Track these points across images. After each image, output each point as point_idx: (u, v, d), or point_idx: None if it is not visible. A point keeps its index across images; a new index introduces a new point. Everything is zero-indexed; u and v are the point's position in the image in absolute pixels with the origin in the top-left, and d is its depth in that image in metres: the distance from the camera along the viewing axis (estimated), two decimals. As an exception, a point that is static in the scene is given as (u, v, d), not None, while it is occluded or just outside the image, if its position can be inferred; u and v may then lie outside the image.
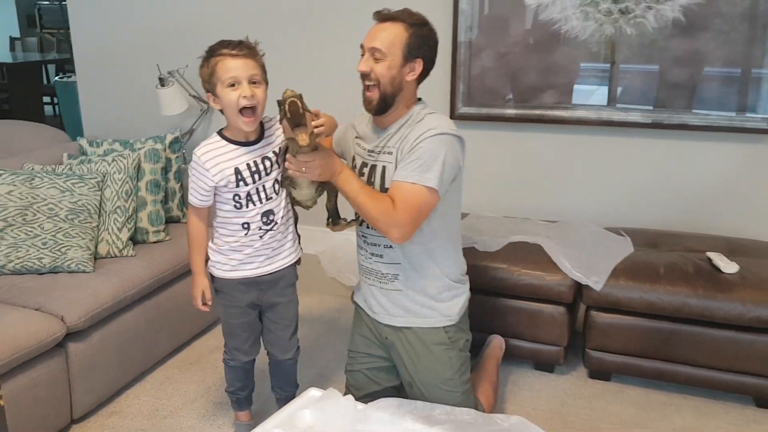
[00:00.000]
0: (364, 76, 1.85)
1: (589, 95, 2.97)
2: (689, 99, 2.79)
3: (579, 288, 2.38)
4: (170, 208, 2.86)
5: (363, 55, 1.87)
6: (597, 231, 2.67)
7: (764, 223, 2.73)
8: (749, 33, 2.64)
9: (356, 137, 2.04)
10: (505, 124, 3.10)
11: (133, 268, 2.43)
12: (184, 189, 2.89)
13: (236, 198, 1.83)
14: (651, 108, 2.85)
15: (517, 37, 3.01)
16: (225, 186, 1.82)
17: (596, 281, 2.32)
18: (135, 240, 2.62)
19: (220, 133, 1.86)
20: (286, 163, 1.80)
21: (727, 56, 2.69)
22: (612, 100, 2.93)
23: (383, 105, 1.86)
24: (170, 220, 2.85)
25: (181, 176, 2.90)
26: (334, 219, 2.02)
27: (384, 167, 1.90)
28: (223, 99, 1.76)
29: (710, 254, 2.39)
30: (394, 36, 1.82)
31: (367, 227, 1.96)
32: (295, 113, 1.65)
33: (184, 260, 2.57)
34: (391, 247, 1.93)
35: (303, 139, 1.66)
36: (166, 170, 2.80)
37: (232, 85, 1.74)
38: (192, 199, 1.88)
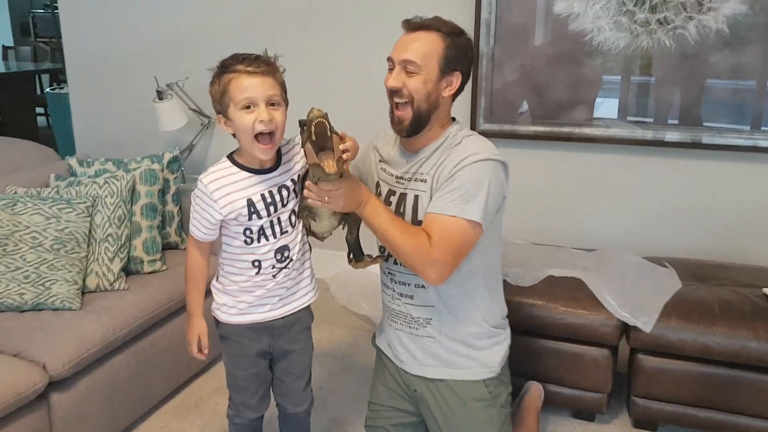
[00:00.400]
0: (394, 92, 1.61)
1: (623, 112, 2.75)
2: (733, 117, 2.57)
3: (625, 328, 2.14)
4: (168, 233, 2.60)
5: (391, 68, 1.63)
6: (638, 262, 2.43)
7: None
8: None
9: (380, 161, 1.80)
10: (529, 142, 2.88)
11: (125, 303, 2.17)
12: (183, 212, 2.64)
13: (247, 233, 1.59)
14: (691, 126, 2.63)
15: (544, 49, 2.79)
16: (235, 219, 1.57)
17: (646, 322, 2.07)
18: (128, 271, 2.36)
19: (231, 157, 1.60)
20: (305, 192, 1.55)
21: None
22: (647, 117, 2.71)
23: (417, 125, 1.62)
24: (167, 247, 2.60)
25: (180, 198, 2.65)
26: (356, 254, 1.77)
27: (416, 196, 1.65)
28: (236, 123, 1.51)
29: (767, 290, 2.16)
30: (429, 46, 1.59)
31: (395, 263, 1.72)
32: (321, 135, 1.42)
33: (182, 292, 2.29)
34: (423, 287, 1.68)
35: (329, 165, 1.42)
36: (163, 192, 2.55)
37: (248, 107, 1.49)
38: (194, 231, 1.63)
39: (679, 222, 2.68)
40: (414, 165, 1.68)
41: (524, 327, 2.18)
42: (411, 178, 1.68)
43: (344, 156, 1.48)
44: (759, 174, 2.54)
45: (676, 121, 2.66)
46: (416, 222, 1.64)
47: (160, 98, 3.13)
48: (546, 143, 2.86)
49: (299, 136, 1.66)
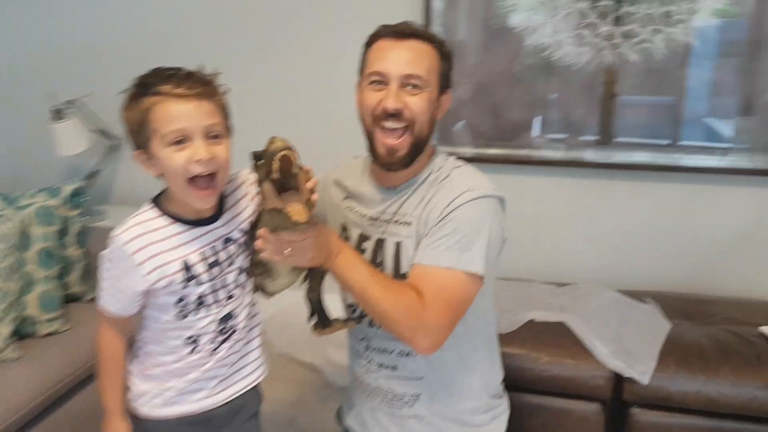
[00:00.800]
0: (391, 115, 1.28)
1: (585, 132, 2.54)
2: (706, 136, 2.41)
3: (618, 380, 1.88)
4: (69, 283, 2.15)
5: (376, 83, 1.30)
6: (617, 298, 2.19)
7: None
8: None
9: (346, 198, 1.46)
10: (485, 166, 2.56)
11: (16, 378, 1.72)
12: (89, 256, 2.20)
13: (181, 303, 1.20)
14: (660, 147, 2.45)
15: (500, 65, 2.55)
16: (165, 287, 1.18)
17: (642, 372, 1.82)
18: (20, 333, 1.89)
19: (157, 203, 1.21)
20: (259, 244, 1.18)
21: (754, 87, 2.32)
22: (612, 138, 2.51)
23: (413, 156, 1.32)
24: (70, 299, 2.14)
25: (85, 240, 2.21)
26: (322, 318, 1.40)
27: (398, 243, 1.33)
28: (164, 162, 1.13)
29: (765, 329, 1.97)
30: (430, 59, 1.30)
31: (370, 324, 1.38)
32: (286, 173, 1.07)
33: (89, 358, 1.88)
34: (409, 354, 1.35)
35: (299, 211, 1.08)
36: (63, 233, 2.10)
37: (179, 141, 1.11)
38: (107, 304, 1.23)
39: (651, 251, 2.49)
40: (393, 203, 1.36)
41: (504, 380, 1.89)
42: (390, 220, 1.35)
43: (313, 197, 1.14)
44: (738, 198, 2.38)
45: (642, 141, 2.48)
46: (399, 275, 1.32)
47: (58, 118, 2.68)
48: (503, 167, 2.62)
49: (247, 169, 1.30)
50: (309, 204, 1.11)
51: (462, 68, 2.55)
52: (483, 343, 1.41)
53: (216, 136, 1.14)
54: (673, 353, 1.87)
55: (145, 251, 1.15)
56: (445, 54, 1.35)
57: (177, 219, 1.19)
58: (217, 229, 1.22)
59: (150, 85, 1.12)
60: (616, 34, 2.43)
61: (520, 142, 2.58)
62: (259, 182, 1.12)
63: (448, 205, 1.27)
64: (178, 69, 1.14)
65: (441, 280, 1.23)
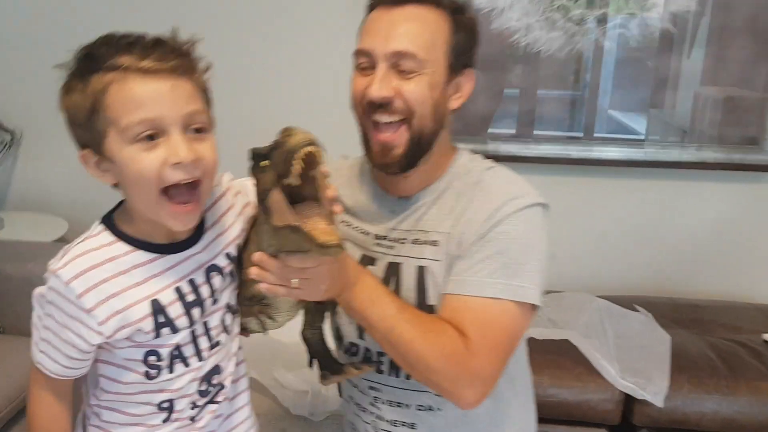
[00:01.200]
0: (380, 105, 0.99)
1: (556, 125, 2.39)
2: (685, 129, 2.29)
3: (627, 402, 1.70)
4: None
5: (365, 67, 1.02)
6: (607, 307, 2.02)
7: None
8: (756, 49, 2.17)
9: (342, 211, 1.16)
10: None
11: None
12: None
13: (151, 359, 0.87)
14: (637, 140, 2.32)
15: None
16: (128, 339, 0.85)
17: (656, 393, 1.65)
18: None
19: (109, 223, 0.87)
20: (254, 271, 0.86)
21: (733, 76, 2.21)
22: (586, 132, 2.36)
23: (414, 155, 1.03)
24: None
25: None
26: (328, 363, 1.09)
27: (422, 268, 1.04)
28: (127, 166, 0.79)
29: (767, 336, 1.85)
30: (432, 29, 1.00)
31: (379, 370, 1.09)
32: (306, 178, 0.78)
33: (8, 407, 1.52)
34: (431, 409, 1.08)
35: (325, 230, 0.78)
36: (-45, 252, 1.69)
37: (150, 137, 0.78)
38: (46, 362, 0.88)
39: (627, 251, 2.34)
40: (407, 217, 1.07)
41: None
42: (405, 239, 1.06)
43: (336, 209, 0.84)
44: (719, 195, 2.27)
45: (621, 138, 2.37)
46: (424, 308, 1.04)
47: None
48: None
49: (228, 174, 0.98)
50: (332, 219, 0.81)
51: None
52: (522, 387, 1.16)
53: (199, 130, 0.81)
54: (683, 370, 1.72)
55: (98, 291, 0.82)
56: (459, 23, 1.04)
57: (140, 244, 0.85)
58: (197, 256, 0.89)
59: (103, 56, 0.78)
60: (588, 18, 2.26)
61: (486, 137, 2.38)
62: (262, 191, 0.81)
63: (489, 218, 1.00)
64: (140, 36, 0.81)
65: (487, 314, 0.97)
